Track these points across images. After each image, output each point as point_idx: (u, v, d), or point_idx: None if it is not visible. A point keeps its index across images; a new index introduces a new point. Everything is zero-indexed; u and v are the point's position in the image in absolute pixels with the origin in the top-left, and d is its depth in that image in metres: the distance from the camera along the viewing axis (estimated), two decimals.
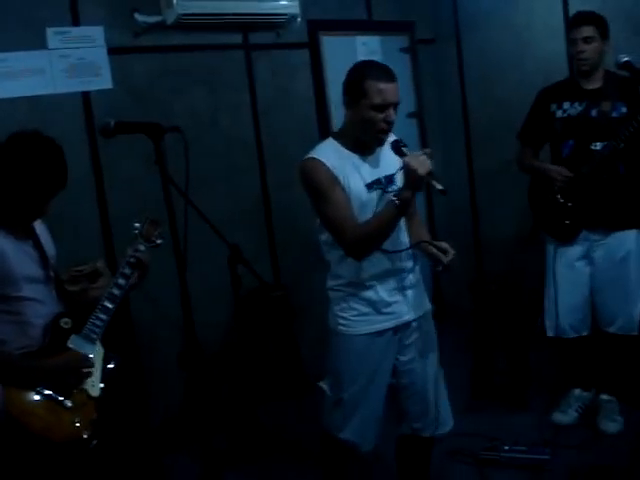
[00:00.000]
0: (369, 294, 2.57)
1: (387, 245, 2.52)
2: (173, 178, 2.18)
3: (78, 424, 2.27)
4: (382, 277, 2.58)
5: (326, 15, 4.78)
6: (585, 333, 3.58)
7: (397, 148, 2.47)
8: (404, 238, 2.64)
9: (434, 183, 2.31)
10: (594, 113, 3.33)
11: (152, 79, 4.00)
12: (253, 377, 4.02)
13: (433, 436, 2.78)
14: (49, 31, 3.64)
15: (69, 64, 3.70)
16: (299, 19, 4.37)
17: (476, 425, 3.64)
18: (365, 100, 2.43)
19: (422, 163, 2.30)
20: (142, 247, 2.49)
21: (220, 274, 2.61)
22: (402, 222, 2.58)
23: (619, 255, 3.42)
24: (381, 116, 2.44)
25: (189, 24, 3.96)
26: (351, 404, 2.63)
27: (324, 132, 4.80)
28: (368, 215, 2.49)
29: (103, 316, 2.39)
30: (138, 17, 3.86)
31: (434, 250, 2.49)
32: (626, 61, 3.20)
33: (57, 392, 2.26)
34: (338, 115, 4.83)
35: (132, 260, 2.46)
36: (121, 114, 2.51)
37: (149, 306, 3.85)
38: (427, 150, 2.40)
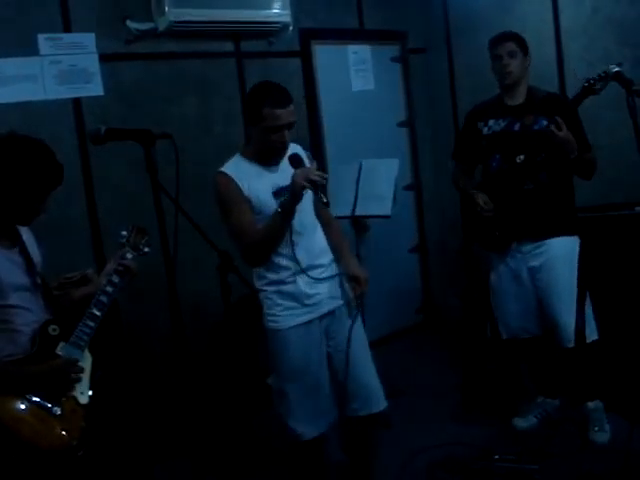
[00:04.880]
0: (291, 289, 2.79)
1: (301, 249, 2.77)
2: (164, 185, 2.17)
3: (66, 432, 2.25)
4: (300, 273, 2.78)
5: (318, 24, 4.80)
6: (538, 333, 3.59)
7: (292, 161, 2.69)
8: (320, 242, 2.89)
9: (320, 195, 2.57)
10: (517, 127, 3.45)
11: (143, 86, 4.00)
12: (244, 385, 4.00)
13: (369, 415, 2.91)
14: (40, 37, 3.64)
15: (60, 70, 3.69)
16: (291, 28, 4.39)
17: (466, 434, 3.64)
18: (262, 123, 2.68)
19: (304, 173, 2.57)
20: (129, 255, 2.51)
21: (210, 281, 2.61)
22: (316, 225, 2.88)
23: (547, 264, 3.44)
24: (276, 136, 2.69)
25: (181, 31, 3.96)
26: (293, 395, 2.83)
27: (315, 139, 4.81)
28: None
29: (91, 323, 2.39)
30: (130, 24, 3.86)
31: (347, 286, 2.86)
32: (616, 72, 3.22)
33: (46, 399, 2.24)
34: (329, 122, 4.88)
35: (120, 268, 2.48)
36: (112, 121, 2.51)
37: (139, 313, 3.83)
38: (315, 164, 2.70)
